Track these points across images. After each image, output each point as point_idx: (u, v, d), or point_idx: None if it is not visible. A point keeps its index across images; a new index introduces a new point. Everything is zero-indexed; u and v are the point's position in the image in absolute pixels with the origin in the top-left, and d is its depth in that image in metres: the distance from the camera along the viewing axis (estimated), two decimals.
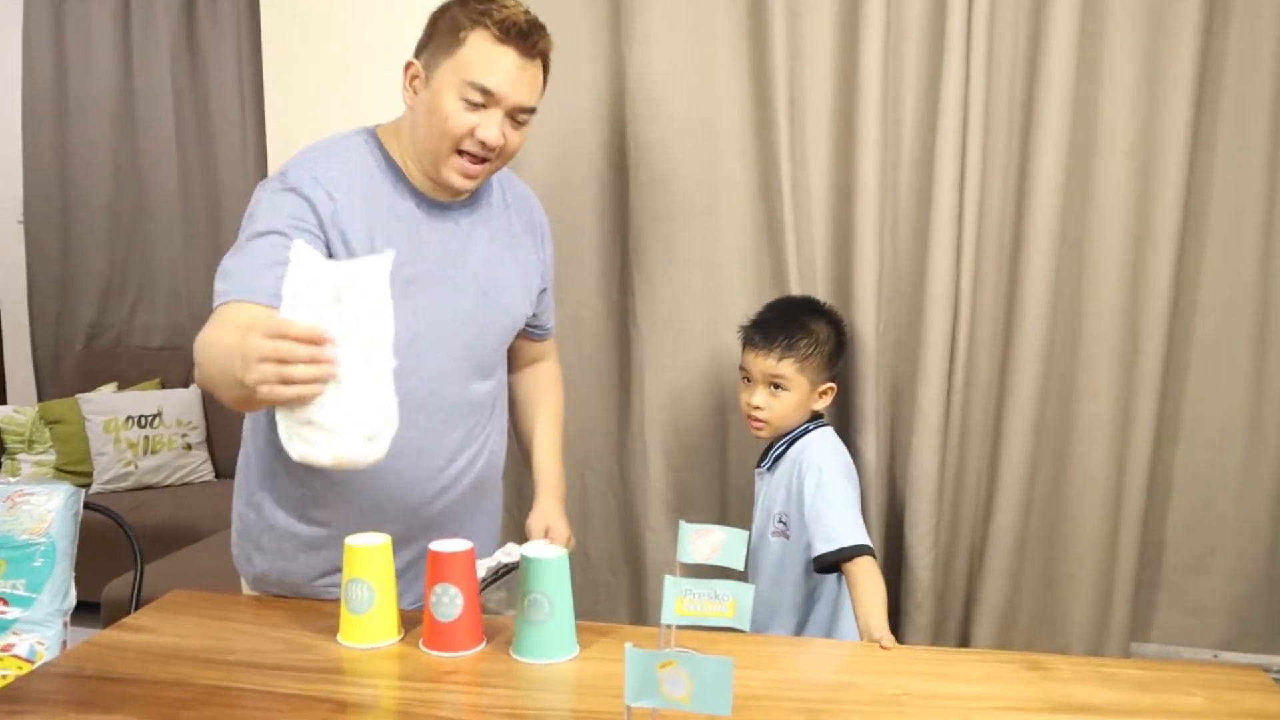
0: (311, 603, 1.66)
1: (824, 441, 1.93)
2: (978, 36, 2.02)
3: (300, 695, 1.32)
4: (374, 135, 1.61)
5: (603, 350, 2.33)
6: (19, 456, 3.95)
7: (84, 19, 4.18)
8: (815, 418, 1.98)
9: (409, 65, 1.56)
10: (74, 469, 3.86)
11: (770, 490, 1.97)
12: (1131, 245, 2.09)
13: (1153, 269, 2.08)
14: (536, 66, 1.53)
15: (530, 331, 1.84)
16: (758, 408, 1.92)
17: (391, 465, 1.36)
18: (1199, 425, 2.18)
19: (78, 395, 3.97)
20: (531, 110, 1.55)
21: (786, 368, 1.90)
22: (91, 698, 1.31)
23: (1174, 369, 2.15)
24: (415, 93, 1.55)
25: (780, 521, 1.92)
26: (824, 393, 1.96)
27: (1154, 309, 2.08)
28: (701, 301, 2.23)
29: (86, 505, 1.94)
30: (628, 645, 0.99)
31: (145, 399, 3.99)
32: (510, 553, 1.64)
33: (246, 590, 1.78)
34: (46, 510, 1.86)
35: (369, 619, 1.47)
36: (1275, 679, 1.41)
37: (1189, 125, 2.02)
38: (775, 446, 1.97)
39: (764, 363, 1.90)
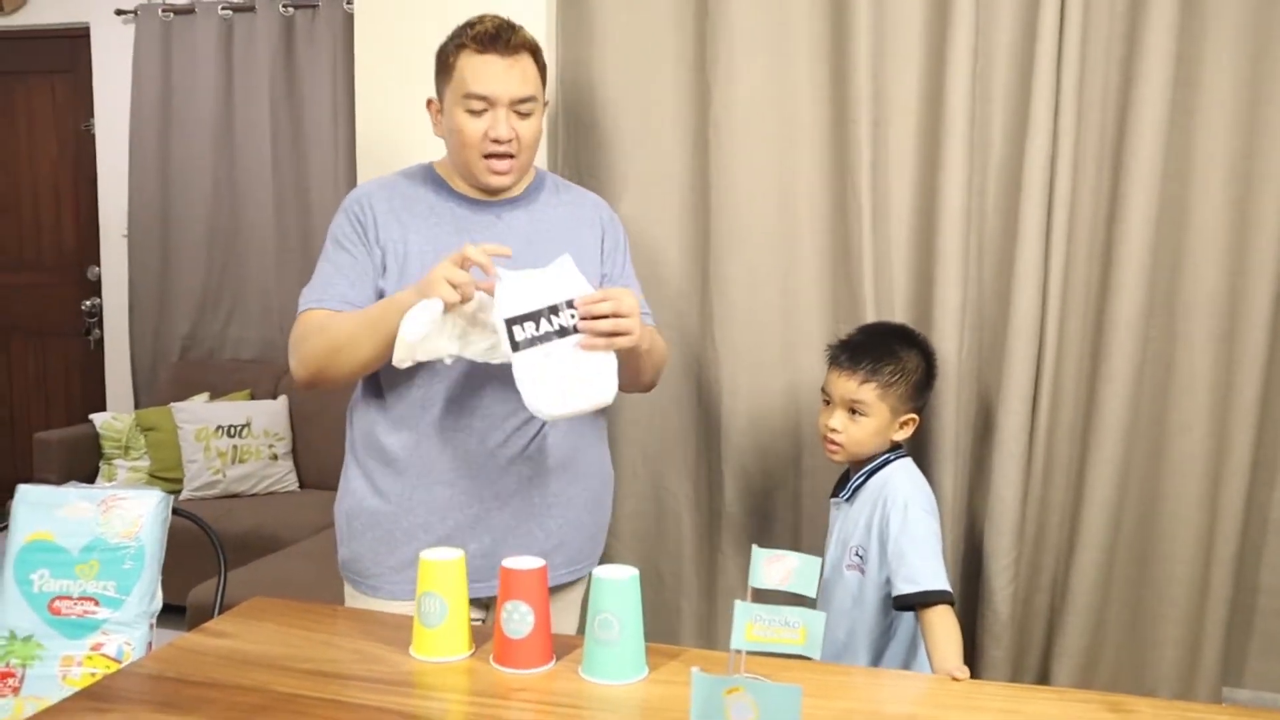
0: (386, 615, 1.68)
1: (908, 475, 1.86)
2: (1069, 58, 1.98)
3: (370, 706, 1.34)
4: (428, 165, 1.82)
5: (681, 372, 2.34)
6: (115, 461, 4.09)
7: (189, 41, 4.34)
8: (894, 447, 1.91)
9: (429, 103, 1.77)
10: (166, 475, 3.98)
11: (847, 522, 1.90)
12: (1228, 274, 2.02)
13: (1250, 298, 2.01)
14: (522, 60, 1.67)
15: None
16: (834, 430, 1.86)
17: (456, 427, 1.66)
18: None
19: (171, 404, 4.09)
20: (531, 99, 1.68)
21: (868, 393, 1.83)
22: (172, 699, 1.35)
23: (1271, 404, 2.07)
24: (439, 124, 1.75)
25: (857, 555, 1.85)
26: (905, 423, 1.88)
27: (1252, 341, 2.01)
28: (779, 326, 2.22)
29: (175, 511, 1.99)
30: (694, 670, 0.99)
31: (235, 409, 4.09)
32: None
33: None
34: (137, 515, 1.92)
35: (441, 633, 1.48)
36: None
37: None
38: (854, 477, 1.90)
39: (845, 385, 1.84)
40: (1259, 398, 2.02)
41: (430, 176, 1.78)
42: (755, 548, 1.35)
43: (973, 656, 2.14)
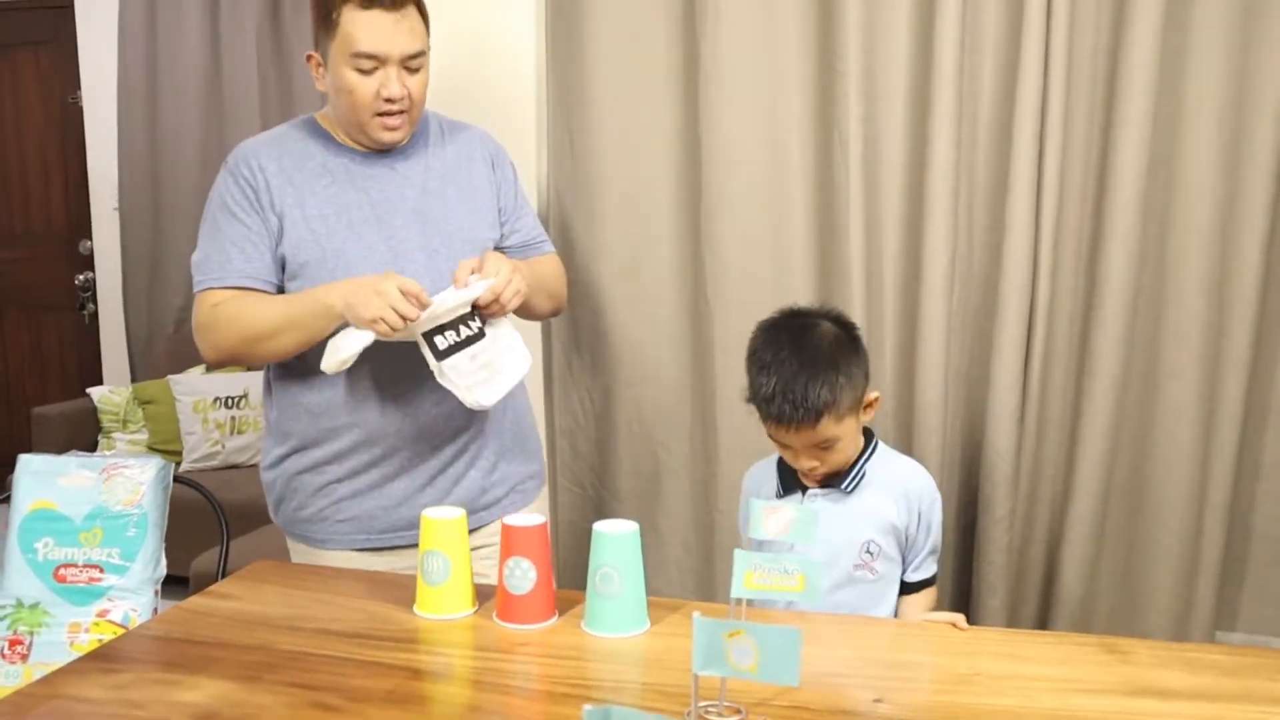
0: (389, 575, 1.70)
1: (913, 465, 1.73)
2: (1059, 6, 1.97)
3: (376, 663, 1.36)
4: (310, 118, 1.79)
5: (677, 331, 2.34)
6: (114, 435, 4.10)
7: (175, 8, 4.29)
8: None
9: (309, 57, 1.72)
10: (165, 448, 4.00)
11: (847, 518, 1.66)
12: (1219, 222, 2.03)
13: (1241, 247, 2.02)
14: (408, 13, 1.65)
15: (516, 251, 1.85)
16: (812, 468, 1.63)
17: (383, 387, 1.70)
18: None
19: (169, 376, 4.10)
20: (420, 54, 1.67)
21: (829, 427, 1.58)
22: (179, 659, 1.37)
23: (1263, 351, 2.09)
24: (321, 79, 1.72)
25: (867, 552, 1.66)
26: (869, 405, 1.66)
27: (1242, 289, 2.02)
28: (771, 282, 2.22)
29: (176, 479, 2.01)
30: (695, 614, 1.00)
31: (232, 381, 4.10)
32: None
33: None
34: (139, 482, 1.93)
35: (444, 590, 1.50)
36: None
37: None
38: (853, 470, 1.66)
39: (800, 437, 1.59)
40: (1250, 344, 2.03)
41: (316, 131, 1.76)
42: (753, 499, 1.36)
43: (970, 606, 2.16)
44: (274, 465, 1.83)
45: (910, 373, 2.15)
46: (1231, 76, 1.99)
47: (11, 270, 4.82)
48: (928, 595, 1.72)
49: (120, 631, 1.84)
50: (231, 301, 1.67)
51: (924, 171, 2.08)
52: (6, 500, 1.96)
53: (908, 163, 2.12)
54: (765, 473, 1.78)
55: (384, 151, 1.75)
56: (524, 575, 1.46)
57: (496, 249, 1.79)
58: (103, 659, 1.39)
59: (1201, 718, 1.21)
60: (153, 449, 4.02)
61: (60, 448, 3.95)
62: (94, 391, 4.16)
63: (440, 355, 1.62)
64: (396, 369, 1.70)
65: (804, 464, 1.63)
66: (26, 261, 4.80)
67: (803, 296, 2.15)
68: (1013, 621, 2.16)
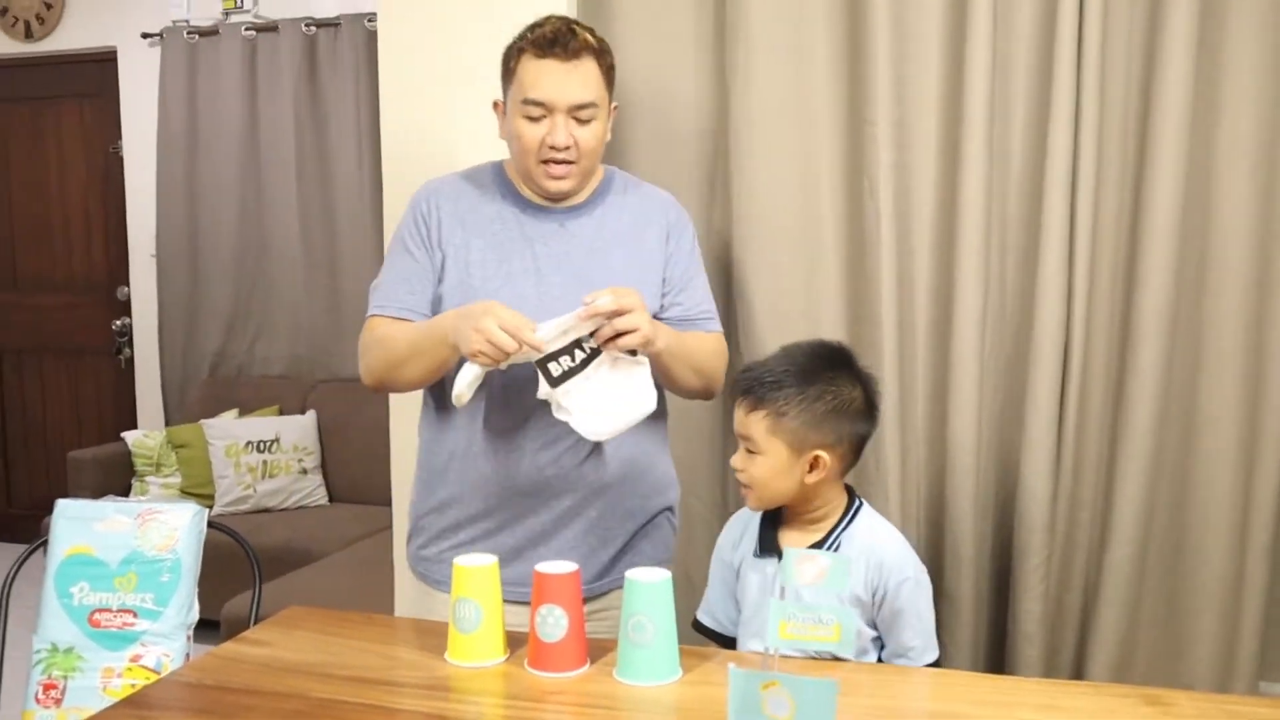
0: (420, 621, 1.70)
1: (895, 536, 1.63)
2: (1089, 52, 1.98)
3: (409, 710, 1.36)
4: (499, 165, 1.82)
5: None
6: (147, 479, 4.14)
7: (214, 62, 4.40)
8: (849, 491, 1.66)
9: (495, 104, 1.76)
10: (197, 491, 4.03)
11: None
12: (1255, 267, 2.02)
13: (1278, 290, 2.00)
14: (584, 65, 1.65)
15: (674, 324, 1.77)
16: (737, 469, 1.60)
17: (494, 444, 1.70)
18: None
19: (202, 421, 4.14)
20: (591, 105, 1.66)
21: (755, 426, 1.56)
22: (212, 706, 1.37)
23: None
24: (503, 126, 1.74)
25: None
26: (813, 463, 1.56)
27: (1279, 331, 2.00)
28: (802, 328, 2.21)
29: (209, 524, 2.02)
30: (731, 665, 1.00)
31: (264, 425, 4.14)
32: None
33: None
34: (174, 528, 1.95)
35: (476, 638, 1.49)
36: None
37: None
38: (830, 537, 1.60)
39: (739, 416, 1.59)
40: None
41: (498, 177, 1.79)
42: (787, 548, 1.35)
43: (1005, 655, 2.13)
44: (414, 502, 1.87)
45: (943, 417, 2.13)
46: (1264, 120, 1.99)
47: (52, 317, 4.90)
48: None
49: (153, 677, 1.85)
50: (384, 328, 1.73)
51: (955, 217, 2.09)
52: (44, 544, 1.98)
53: (938, 209, 2.12)
54: (747, 527, 1.71)
55: (559, 206, 1.75)
56: (556, 623, 1.45)
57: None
58: (136, 705, 1.39)
59: None
60: (185, 492, 4.06)
61: (95, 491, 3.99)
62: (128, 435, 4.21)
63: (554, 382, 1.56)
64: (512, 422, 1.71)
65: (734, 458, 1.61)
66: (66, 309, 4.89)
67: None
68: (1049, 670, 2.12)
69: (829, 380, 1.56)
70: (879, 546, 1.59)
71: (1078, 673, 2.15)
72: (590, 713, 1.37)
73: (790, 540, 1.62)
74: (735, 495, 2.32)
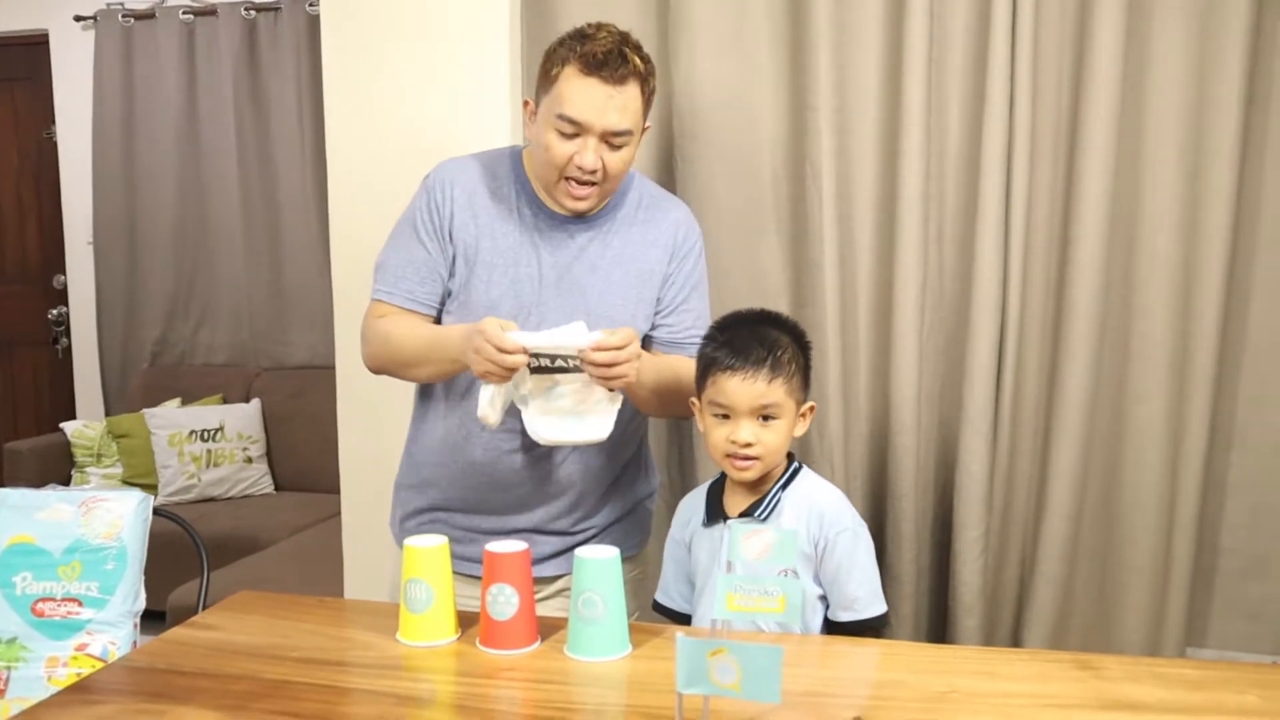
0: (371, 603, 1.72)
1: (833, 492, 1.69)
2: (1022, 42, 2.03)
3: (362, 690, 1.37)
4: (518, 152, 1.79)
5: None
6: (88, 469, 4.08)
7: (151, 46, 4.32)
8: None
9: (526, 103, 1.73)
10: (140, 481, 3.98)
11: None
12: (1181, 249, 2.08)
13: (1204, 272, 2.07)
14: (627, 91, 1.62)
15: (660, 345, 1.82)
16: (749, 444, 1.59)
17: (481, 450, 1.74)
18: (1253, 429, 2.17)
19: (143, 410, 4.09)
20: (627, 133, 1.63)
21: (778, 391, 1.59)
22: (163, 690, 1.37)
23: (1227, 372, 2.13)
24: (530, 127, 1.71)
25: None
26: (804, 414, 1.66)
27: (1205, 313, 2.07)
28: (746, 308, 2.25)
29: (155, 512, 2.01)
30: (678, 634, 1.02)
31: (208, 414, 4.09)
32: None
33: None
34: (118, 515, 1.93)
35: (427, 618, 1.51)
36: None
37: (1239, 125, 2.02)
38: (769, 494, 1.65)
39: (750, 389, 1.58)
40: (1212, 367, 2.08)
41: (515, 170, 1.76)
42: (733, 522, 1.38)
43: (946, 626, 2.19)
44: (398, 474, 1.89)
45: (884, 396, 2.18)
46: (1189, 108, 2.05)
47: None
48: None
49: (99, 665, 1.83)
50: (389, 319, 1.73)
51: (894, 202, 2.13)
52: None
53: (878, 193, 2.16)
54: (695, 501, 1.76)
55: (570, 218, 1.74)
56: (507, 601, 1.47)
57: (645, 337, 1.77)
58: (84, 691, 1.39)
59: None
60: (127, 483, 4.01)
61: (34, 483, 3.89)
62: (67, 426, 4.15)
63: (532, 369, 1.56)
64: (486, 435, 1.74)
65: (743, 435, 1.58)
66: (0, 299, 4.78)
67: None
68: (989, 640, 2.18)
69: (788, 340, 1.64)
70: (817, 500, 1.65)
71: (1015, 642, 2.21)
72: (542, 688, 1.39)
73: (734, 505, 1.67)
74: (681, 478, 2.35)
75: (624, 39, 1.63)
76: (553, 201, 1.73)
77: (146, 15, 4.30)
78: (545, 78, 1.66)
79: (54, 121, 4.57)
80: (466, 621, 1.56)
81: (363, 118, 2.32)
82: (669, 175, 2.27)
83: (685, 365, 1.73)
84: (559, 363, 1.56)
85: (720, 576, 1.25)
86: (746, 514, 1.66)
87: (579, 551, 1.48)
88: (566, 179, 1.65)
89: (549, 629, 1.53)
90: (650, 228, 1.79)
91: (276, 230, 4.32)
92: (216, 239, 4.39)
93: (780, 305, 2.22)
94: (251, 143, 4.29)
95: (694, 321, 1.83)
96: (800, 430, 1.65)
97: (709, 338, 1.68)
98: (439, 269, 1.73)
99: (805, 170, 2.18)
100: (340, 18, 2.32)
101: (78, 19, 4.39)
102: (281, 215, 4.30)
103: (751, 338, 1.61)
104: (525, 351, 1.54)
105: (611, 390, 1.61)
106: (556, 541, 1.80)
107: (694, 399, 1.68)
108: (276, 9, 4.20)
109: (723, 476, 1.71)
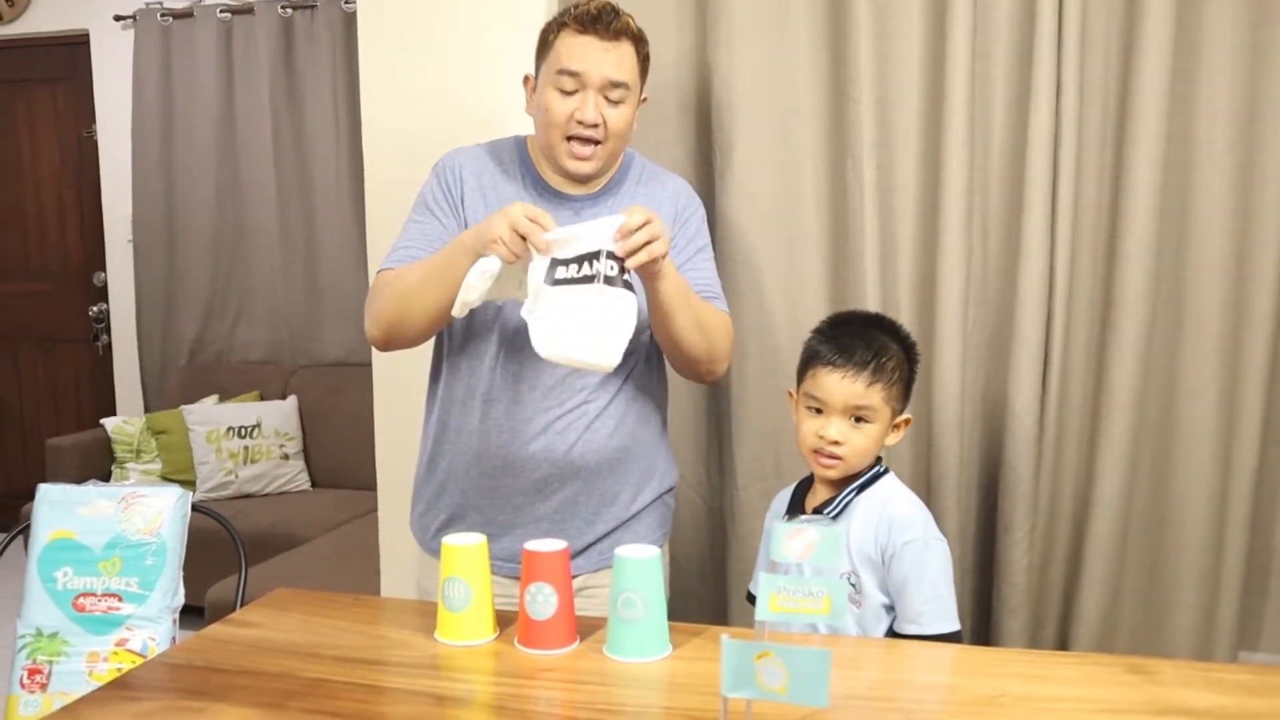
0: (409, 601, 1.70)
1: (911, 499, 1.66)
2: (1069, 29, 1.99)
3: (400, 689, 1.36)
4: (521, 140, 1.81)
5: None
6: (127, 465, 4.11)
7: (189, 45, 4.35)
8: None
9: (526, 79, 1.76)
10: (178, 477, 4.01)
11: None
12: (1233, 241, 2.04)
13: (1256, 264, 2.03)
14: (622, 46, 1.66)
15: None
16: (835, 442, 1.61)
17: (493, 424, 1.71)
18: None
19: (182, 407, 4.12)
20: (623, 85, 1.66)
21: (875, 396, 1.61)
22: (201, 687, 1.36)
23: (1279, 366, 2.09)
24: (531, 102, 1.74)
25: (849, 584, 1.63)
26: (899, 425, 1.68)
27: (1258, 306, 2.03)
28: (784, 309, 2.23)
29: (194, 508, 2.01)
30: (724, 636, 1.00)
31: (245, 410, 4.11)
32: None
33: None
34: (158, 511, 1.94)
35: (466, 617, 1.49)
36: None
37: None
38: (843, 492, 1.66)
39: (848, 389, 1.60)
40: (1267, 361, 2.03)
41: (520, 155, 1.78)
42: (776, 521, 1.36)
43: (990, 627, 2.15)
44: (417, 472, 1.88)
45: (927, 395, 2.14)
46: (1241, 97, 2.00)
47: (28, 305, 4.86)
48: None
49: (139, 660, 1.84)
50: (397, 270, 1.69)
51: (938, 195, 2.09)
52: (25, 530, 1.97)
53: (921, 186, 2.13)
54: (785, 494, 1.79)
55: (576, 193, 1.75)
56: (546, 600, 1.45)
57: None
58: (125, 687, 1.38)
59: None
60: (166, 479, 4.04)
61: (74, 479, 3.96)
62: (107, 422, 4.18)
63: (550, 280, 1.50)
64: (509, 403, 1.71)
65: (831, 432, 1.61)
66: (42, 296, 4.84)
67: (817, 319, 2.14)
68: (1034, 642, 2.15)
69: (903, 347, 1.67)
70: (889, 505, 1.62)
71: (1062, 644, 2.17)
72: (581, 689, 1.37)
73: (813, 501, 1.69)
74: (720, 474, 2.33)
75: (615, 6, 1.68)
76: (558, 177, 1.74)
77: (185, 14, 4.33)
78: (543, 46, 1.70)
79: (94, 121, 4.61)
80: (504, 621, 1.54)
81: (399, 113, 2.32)
82: (707, 168, 2.25)
83: (715, 309, 1.75)
84: (584, 270, 1.50)
85: (762, 576, 1.23)
86: (819, 510, 1.66)
87: (619, 551, 1.46)
88: (569, 139, 1.67)
89: (588, 629, 1.51)
90: (651, 199, 1.79)
91: (312, 228, 4.33)
92: (253, 237, 4.41)
93: (820, 299, 2.19)
94: (288, 141, 4.31)
95: (709, 278, 1.80)
96: (893, 440, 1.66)
97: (818, 331, 1.71)
98: (450, 236, 1.70)
99: (846, 163, 2.15)
100: (376, 12, 2.31)
101: (117, 19, 4.43)
102: (317, 213, 4.32)
103: (859, 338, 1.63)
104: (548, 251, 1.50)
105: (649, 272, 1.55)
106: (574, 538, 1.76)
107: (791, 391, 1.71)
108: (313, 6, 4.21)
109: (811, 474, 1.72)
